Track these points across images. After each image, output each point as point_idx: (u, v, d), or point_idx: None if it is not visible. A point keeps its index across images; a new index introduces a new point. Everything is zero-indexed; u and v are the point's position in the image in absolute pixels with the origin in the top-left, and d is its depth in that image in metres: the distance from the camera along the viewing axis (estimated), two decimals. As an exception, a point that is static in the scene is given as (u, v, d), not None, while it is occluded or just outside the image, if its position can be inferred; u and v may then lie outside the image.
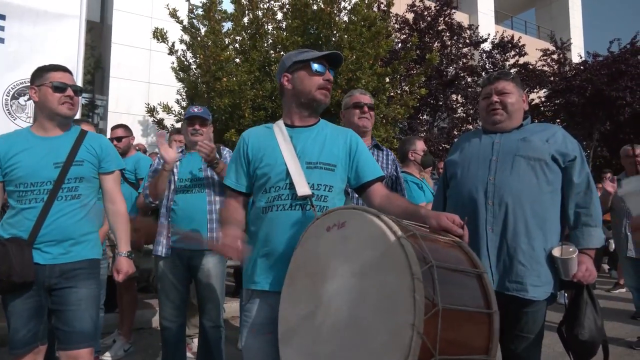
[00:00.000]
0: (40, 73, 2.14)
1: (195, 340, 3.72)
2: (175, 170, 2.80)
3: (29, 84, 4.01)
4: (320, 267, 1.37)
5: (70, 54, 4.23)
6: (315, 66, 1.68)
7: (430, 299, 1.10)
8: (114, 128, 4.29)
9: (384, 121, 7.10)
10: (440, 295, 1.12)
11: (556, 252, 1.83)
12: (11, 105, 3.96)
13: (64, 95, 2.09)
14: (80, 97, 2.15)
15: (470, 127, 12.41)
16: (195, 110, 2.87)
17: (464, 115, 12.65)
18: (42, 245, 2.01)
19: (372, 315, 1.16)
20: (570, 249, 1.81)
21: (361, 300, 1.22)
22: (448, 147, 11.37)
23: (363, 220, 1.29)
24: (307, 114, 1.74)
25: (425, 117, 12.64)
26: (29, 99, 4.02)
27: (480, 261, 1.80)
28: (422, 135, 10.98)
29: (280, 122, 1.77)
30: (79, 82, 4.27)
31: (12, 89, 3.98)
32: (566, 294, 4.74)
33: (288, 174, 1.62)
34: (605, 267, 7.93)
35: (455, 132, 12.06)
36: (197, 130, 2.84)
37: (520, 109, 2.03)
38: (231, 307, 4.63)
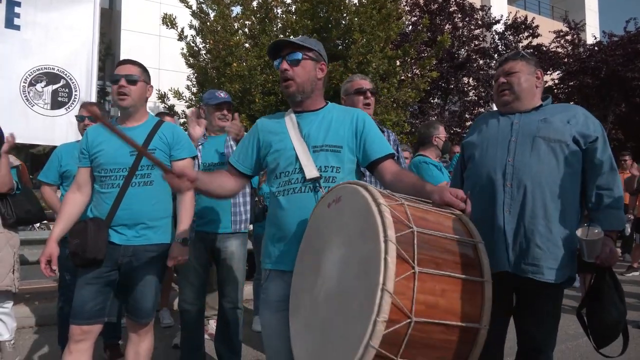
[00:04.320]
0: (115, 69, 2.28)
1: (212, 322, 3.80)
2: (198, 154, 2.85)
3: (44, 70, 4.11)
4: (321, 242, 1.44)
5: (84, 39, 4.26)
6: (274, 64, 1.77)
7: (407, 261, 1.12)
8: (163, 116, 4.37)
9: (395, 105, 7.05)
10: (418, 260, 1.14)
11: (581, 233, 1.81)
12: (29, 92, 4.02)
13: (117, 86, 2.21)
14: (137, 86, 2.23)
15: (482, 110, 12.27)
16: (222, 95, 2.93)
17: (476, 98, 12.50)
18: (117, 227, 2.17)
19: (354, 281, 1.22)
20: (596, 231, 1.79)
21: (347, 267, 1.28)
22: (460, 130, 11.29)
23: (352, 193, 1.36)
24: (295, 105, 1.80)
25: (436, 100, 12.52)
26: (45, 86, 4.08)
27: (495, 242, 1.84)
28: (432, 119, 10.88)
29: (291, 110, 1.83)
30: (95, 67, 4.31)
31: (29, 75, 4.04)
32: (579, 278, 4.75)
33: (297, 158, 1.68)
34: (619, 250, 7.90)
35: (467, 116, 11.94)
36: (225, 115, 2.92)
37: (531, 87, 1.99)
38: (245, 290, 4.70)
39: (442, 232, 1.26)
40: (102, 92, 11.57)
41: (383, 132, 2.75)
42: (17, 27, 3.99)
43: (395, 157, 2.69)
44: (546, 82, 14.11)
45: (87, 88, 4.26)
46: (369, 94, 2.53)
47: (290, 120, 1.77)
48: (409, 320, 1.09)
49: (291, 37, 6.45)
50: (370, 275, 1.12)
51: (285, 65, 1.71)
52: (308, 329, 1.40)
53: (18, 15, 3.99)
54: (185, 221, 2.33)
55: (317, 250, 1.45)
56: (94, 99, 4.26)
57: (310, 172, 1.65)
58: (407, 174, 1.73)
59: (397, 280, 1.08)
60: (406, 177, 1.67)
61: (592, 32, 17.35)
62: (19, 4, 3.99)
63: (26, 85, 4.01)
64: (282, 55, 1.73)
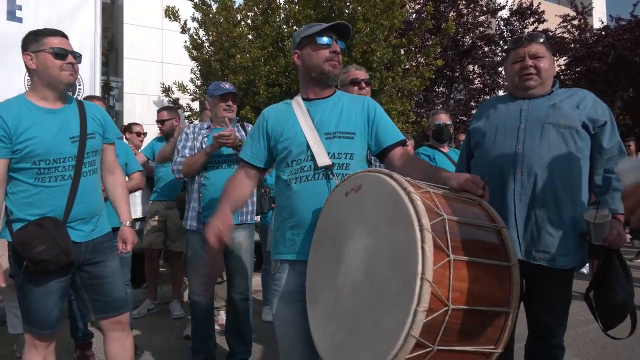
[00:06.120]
0: (36, 38, 1.98)
1: (222, 313, 3.84)
2: (204, 145, 2.86)
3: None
4: (341, 231, 1.43)
5: (87, 33, 4.24)
6: (320, 39, 1.70)
7: (442, 249, 1.13)
8: (159, 111, 4.40)
9: (400, 94, 7.00)
10: (451, 247, 1.14)
11: (589, 216, 1.81)
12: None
13: (65, 62, 1.96)
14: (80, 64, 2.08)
15: (488, 97, 12.15)
16: (227, 86, 2.93)
17: (481, 86, 12.37)
18: (74, 223, 2.00)
19: (386, 270, 1.21)
20: (604, 213, 1.80)
21: (376, 257, 1.26)
22: (465, 119, 11.20)
23: (376, 181, 1.34)
24: (319, 88, 1.76)
25: (441, 89, 12.41)
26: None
27: (506, 228, 1.83)
28: (438, 107, 10.80)
29: (298, 97, 1.81)
30: (98, 61, 4.31)
31: (32, 70, 4.02)
32: (588, 265, 4.73)
33: (308, 146, 1.67)
34: (628, 236, 7.86)
35: (473, 104, 11.83)
36: (230, 106, 2.91)
37: (552, 74, 1.97)
38: (254, 281, 4.73)
39: (468, 218, 1.26)
40: (105, 87, 11.58)
41: None
42: (20, 20, 3.97)
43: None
44: (553, 68, 13.97)
45: (91, 82, 4.26)
46: (363, 84, 2.52)
47: (298, 108, 1.74)
48: (446, 308, 1.10)
49: (294, 26, 6.41)
50: (406, 264, 1.12)
51: (336, 47, 1.72)
52: (331, 319, 1.39)
53: (20, 8, 3.96)
54: (125, 205, 2.28)
55: (337, 239, 1.43)
56: (98, 93, 4.27)
57: (322, 159, 1.64)
58: (418, 160, 1.74)
59: (434, 268, 1.08)
60: (418, 164, 1.68)
61: (599, 17, 17.07)
62: None
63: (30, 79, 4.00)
64: (331, 36, 1.71)
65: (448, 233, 1.16)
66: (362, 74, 2.56)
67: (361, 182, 1.40)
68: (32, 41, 1.99)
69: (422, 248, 1.09)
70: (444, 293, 1.10)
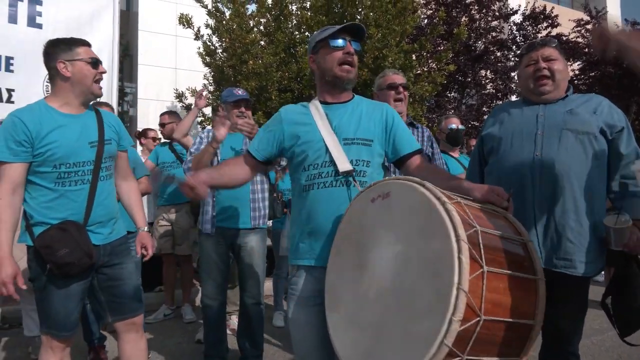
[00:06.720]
0: (69, 47, 2.02)
1: (234, 318, 3.86)
2: (218, 151, 2.90)
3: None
4: (366, 237, 1.42)
5: (105, 39, 4.31)
6: (333, 42, 1.68)
7: (477, 261, 1.13)
8: (161, 115, 4.48)
9: (412, 99, 6.99)
10: (485, 259, 1.14)
11: (609, 221, 1.79)
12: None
13: (98, 71, 2.05)
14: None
15: (500, 102, 12.05)
16: (240, 92, 2.97)
17: (494, 91, 12.29)
18: (93, 226, 2.04)
19: (418, 279, 1.20)
20: (624, 219, 1.77)
21: (406, 265, 1.26)
22: (477, 124, 11.13)
23: (408, 189, 1.33)
24: (335, 91, 1.75)
25: (453, 94, 12.35)
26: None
27: (532, 242, 1.81)
28: (450, 112, 10.75)
29: (316, 101, 1.79)
30: (116, 66, 4.40)
31: (52, 75, 4.11)
32: (603, 271, 4.66)
33: (327, 150, 1.64)
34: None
35: (485, 109, 11.76)
36: (243, 112, 2.94)
37: (567, 78, 1.95)
38: (265, 286, 4.73)
39: (497, 230, 1.27)
40: (120, 93, 11.77)
41: (417, 128, 2.73)
42: (40, 26, 4.04)
43: (430, 154, 2.68)
44: (566, 73, 13.85)
45: (108, 88, 4.32)
46: (400, 89, 2.52)
47: (317, 111, 1.72)
48: (478, 319, 1.11)
49: (306, 32, 6.45)
50: (441, 274, 1.12)
51: (350, 48, 1.69)
52: (354, 325, 1.38)
53: (40, 14, 4.04)
54: (140, 211, 2.31)
55: (361, 245, 1.42)
56: (115, 99, 4.34)
57: (343, 165, 1.62)
58: (438, 169, 1.72)
59: (470, 279, 1.09)
60: (438, 173, 1.66)
61: (614, 21, 16.89)
62: (40, 2, 4.04)
63: (49, 85, 4.08)
64: (344, 37, 1.69)
65: (481, 245, 1.16)
66: (399, 78, 2.55)
67: (389, 189, 1.38)
68: (64, 50, 2.01)
69: (459, 259, 1.10)
70: (477, 304, 1.11)
